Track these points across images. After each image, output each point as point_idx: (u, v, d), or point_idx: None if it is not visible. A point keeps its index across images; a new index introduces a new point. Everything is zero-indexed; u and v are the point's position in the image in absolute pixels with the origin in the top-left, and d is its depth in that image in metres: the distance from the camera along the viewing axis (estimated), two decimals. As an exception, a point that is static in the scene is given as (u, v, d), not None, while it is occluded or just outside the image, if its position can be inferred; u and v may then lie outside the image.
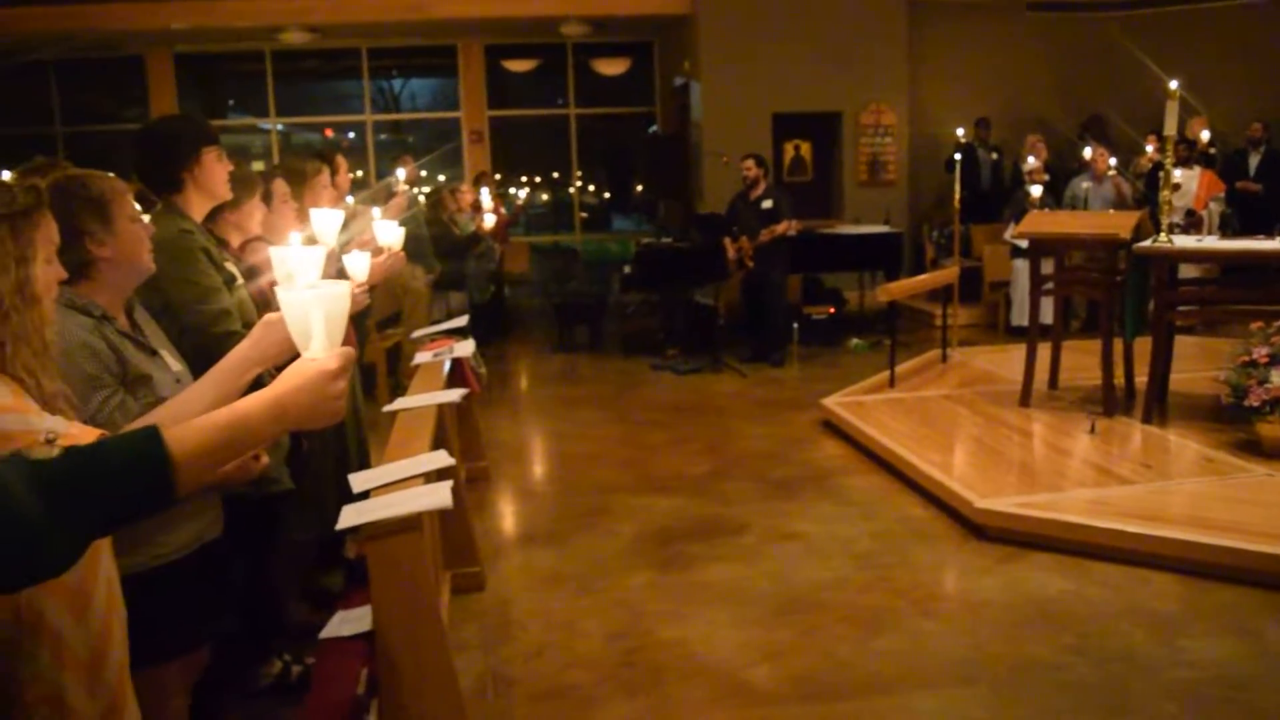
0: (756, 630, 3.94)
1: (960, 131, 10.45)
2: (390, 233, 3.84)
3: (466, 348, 5.23)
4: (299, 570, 4.34)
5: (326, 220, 3.30)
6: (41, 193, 1.96)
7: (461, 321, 5.83)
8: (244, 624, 3.49)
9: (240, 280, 3.24)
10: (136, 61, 12.36)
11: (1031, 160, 9.63)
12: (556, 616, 4.15)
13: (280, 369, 1.54)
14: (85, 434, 1.76)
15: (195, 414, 1.84)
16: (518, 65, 13.39)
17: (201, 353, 2.80)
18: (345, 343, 1.50)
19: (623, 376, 8.84)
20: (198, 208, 3.16)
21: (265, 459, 2.32)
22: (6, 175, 5.13)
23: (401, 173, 6.85)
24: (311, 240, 2.97)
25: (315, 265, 1.90)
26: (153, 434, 1.35)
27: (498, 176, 13.18)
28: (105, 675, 1.80)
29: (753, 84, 11.14)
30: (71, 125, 12.58)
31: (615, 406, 7.77)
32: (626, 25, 12.33)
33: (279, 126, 13.33)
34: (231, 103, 14.20)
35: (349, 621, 3.44)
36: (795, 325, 9.32)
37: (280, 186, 3.77)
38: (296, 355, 1.46)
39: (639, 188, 14.27)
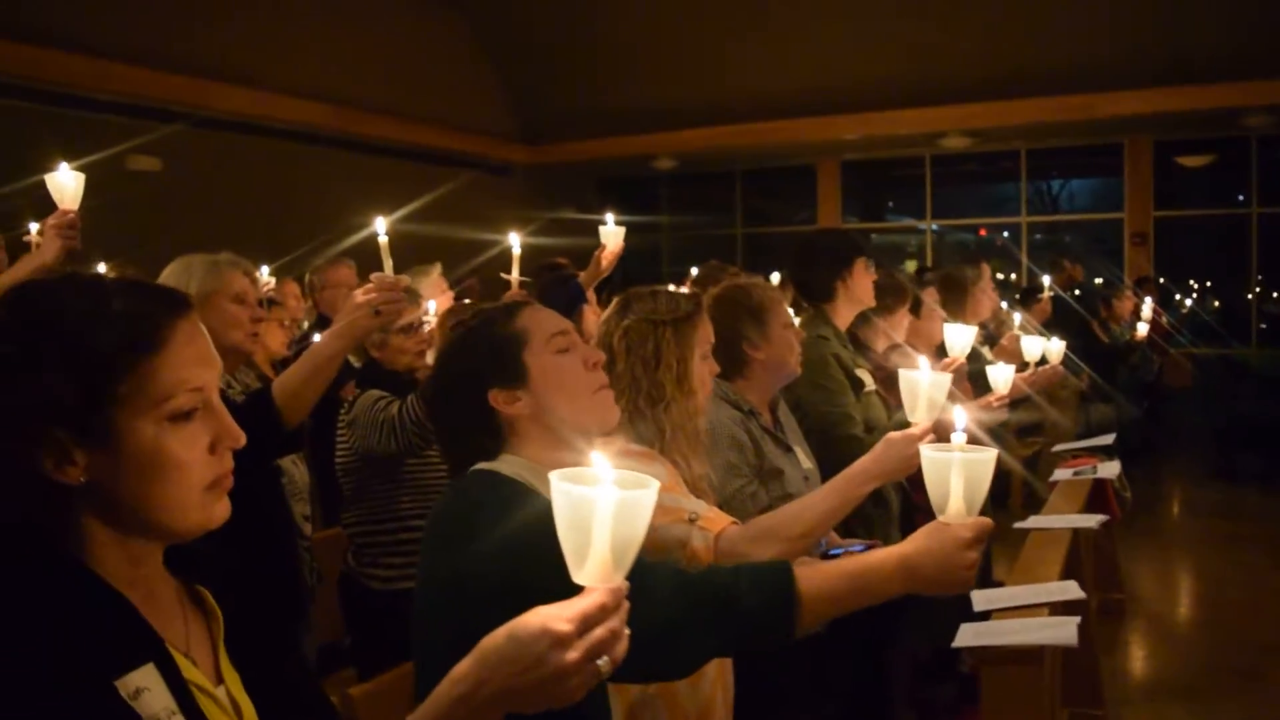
0: None
1: None
2: (1037, 347, 3.70)
3: (1111, 469, 4.87)
4: (911, 677, 4.33)
5: (960, 335, 3.30)
6: (701, 300, 2.23)
7: (1108, 439, 5.45)
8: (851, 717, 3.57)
9: (870, 386, 3.36)
10: (809, 170, 13.52)
11: None
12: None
13: None
14: (719, 519, 1.96)
15: (814, 516, 1.96)
16: (1191, 161, 12.33)
17: (823, 451, 2.95)
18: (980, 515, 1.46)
19: (1301, 517, 7.62)
20: (844, 315, 3.35)
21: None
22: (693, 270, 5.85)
23: (1047, 279, 6.64)
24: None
25: (941, 392, 1.91)
26: (786, 571, 1.45)
27: (1160, 280, 12.20)
28: None
29: None
30: (749, 226, 14.11)
31: (1288, 552, 6.70)
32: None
33: (934, 227, 13.69)
34: (891, 205, 14.91)
35: (954, 736, 3.37)
36: None
37: (930, 295, 3.86)
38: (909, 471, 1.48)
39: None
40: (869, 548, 2.30)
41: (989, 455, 1.41)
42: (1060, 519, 3.97)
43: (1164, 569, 6.50)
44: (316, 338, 3.88)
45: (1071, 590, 3.12)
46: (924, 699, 4.35)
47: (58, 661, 0.97)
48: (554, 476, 0.97)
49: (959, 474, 1.40)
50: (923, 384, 1.93)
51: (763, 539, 1.89)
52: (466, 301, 4.17)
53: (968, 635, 2.85)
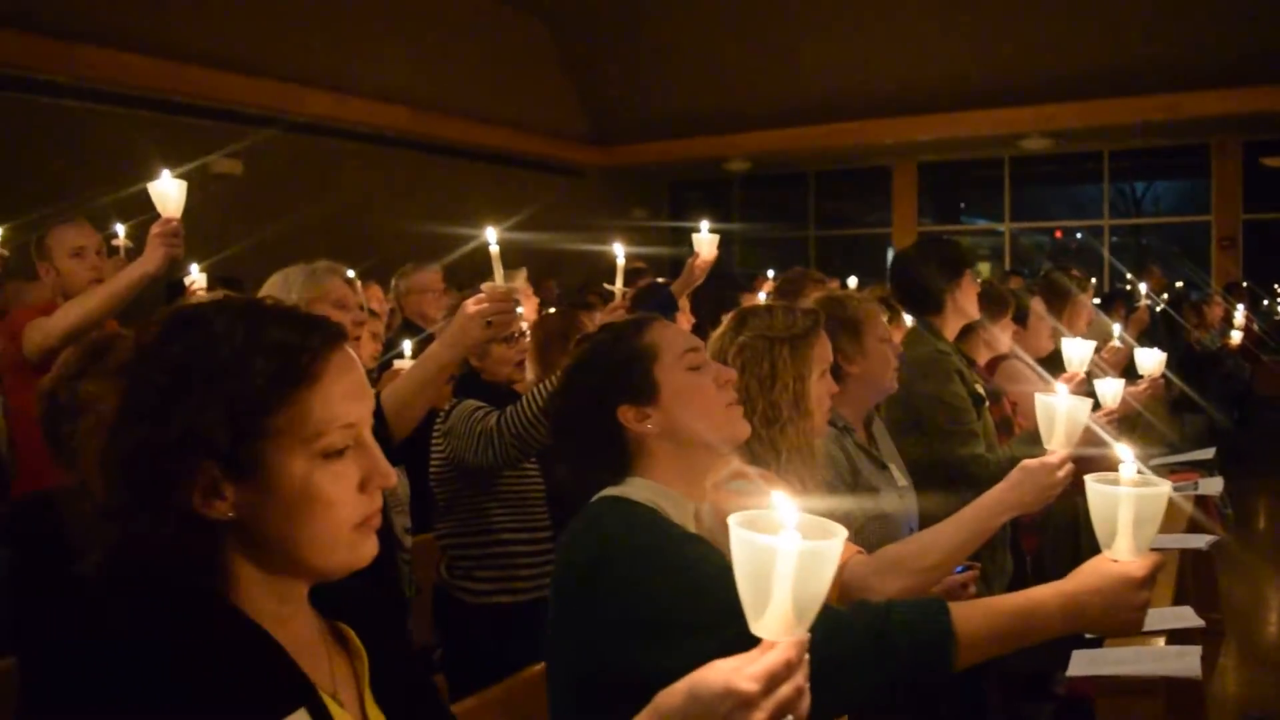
0: None
1: None
2: (1150, 359, 3.56)
3: (1214, 485, 4.68)
4: (1008, 697, 4.21)
5: (1078, 349, 3.17)
6: (819, 316, 2.14)
7: (1209, 454, 5.25)
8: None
9: (987, 401, 3.25)
10: (884, 171, 13.34)
11: None
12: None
13: None
14: (846, 549, 1.87)
15: (945, 548, 1.85)
16: (1277, 162, 11.92)
17: (947, 471, 2.85)
18: None
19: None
20: (951, 328, 3.25)
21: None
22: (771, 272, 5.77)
23: (1144, 286, 6.42)
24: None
25: (1081, 417, 1.81)
26: (941, 609, 1.38)
27: (1245, 284, 11.84)
28: None
29: None
30: (822, 229, 13.97)
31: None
32: None
33: (1009, 229, 13.44)
34: (963, 205, 14.65)
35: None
36: None
37: (1037, 305, 3.74)
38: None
39: None
40: (966, 569, 2.19)
41: (1161, 490, 1.32)
42: (1169, 539, 3.80)
43: (1259, 587, 6.26)
44: (406, 344, 3.88)
45: (1187, 617, 2.98)
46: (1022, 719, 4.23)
47: (211, 707, 0.93)
48: (733, 522, 0.90)
49: (1128, 509, 1.32)
50: (1060, 409, 1.82)
51: (889, 571, 1.80)
52: (552, 310, 4.13)
53: (1081, 662, 2.73)
